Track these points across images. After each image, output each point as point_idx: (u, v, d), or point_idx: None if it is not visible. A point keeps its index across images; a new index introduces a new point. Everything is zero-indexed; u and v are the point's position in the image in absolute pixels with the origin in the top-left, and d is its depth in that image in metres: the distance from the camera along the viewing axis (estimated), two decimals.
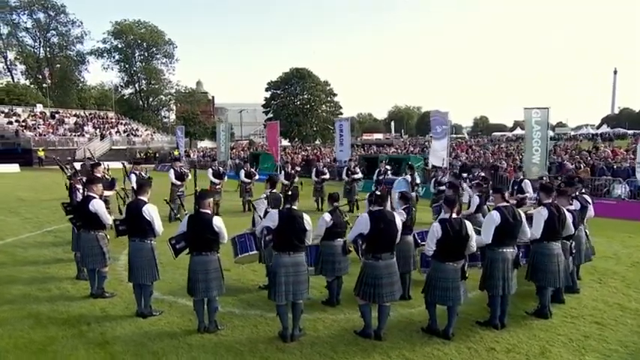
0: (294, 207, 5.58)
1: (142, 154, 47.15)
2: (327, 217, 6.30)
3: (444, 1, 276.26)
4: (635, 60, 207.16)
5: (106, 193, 8.74)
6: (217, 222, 5.57)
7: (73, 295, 7.09)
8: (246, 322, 6.04)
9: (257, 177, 16.16)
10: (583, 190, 8.26)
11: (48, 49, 67.31)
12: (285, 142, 70.32)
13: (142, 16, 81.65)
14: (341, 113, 79.18)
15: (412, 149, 38.47)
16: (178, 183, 12.91)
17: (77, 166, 20.32)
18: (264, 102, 79.66)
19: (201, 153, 49.02)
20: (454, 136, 79.11)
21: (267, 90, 78.79)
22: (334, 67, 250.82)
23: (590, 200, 7.81)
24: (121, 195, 9.70)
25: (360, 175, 16.21)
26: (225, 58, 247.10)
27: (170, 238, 5.73)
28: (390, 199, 7.45)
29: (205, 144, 71.12)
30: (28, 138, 44.46)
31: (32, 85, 64.72)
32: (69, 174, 9.09)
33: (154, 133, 61.66)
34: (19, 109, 51.56)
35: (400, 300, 6.57)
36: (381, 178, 13.90)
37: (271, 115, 74.10)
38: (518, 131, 64.90)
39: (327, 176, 16.55)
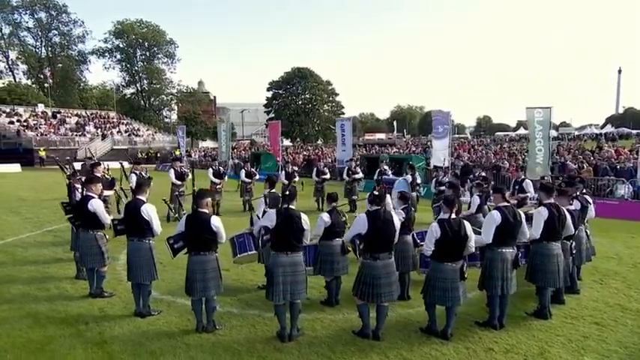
0: (292, 206, 5.56)
1: (143, 154, 47.21)
2: (326, 216, 6.29)
3: (447, 1, 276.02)
4: None
5: (106, 192, 8.75)
6: (215, 221, 5.56)
7: (72, 295, 7.09)
8: (244, 322, 6.03)
9: (257, 177, 16.16)
10: (584, 191, 8.22)
11: (49, 48, 67.46)
12: (286, 142, 70.36)
13: (142, 16, 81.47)
14: (343, 113, 79.26)
15: (414, 149, 38.36)
16: (178, 183, 12.93)
17: (77, 166, 20.39)
18: (265, 102, 79.66)
19: (203, 153, 49.01)
20: (457, 136, 79.13)
21: (268, 90, 78.88)
22: (336, 67, 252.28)
23: (590, 200, 7.78)
24: (119, 195, 9.71)
25: (360, 175, 16.18)
26: (225, 58, 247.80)
27: (168, 238, 5.73)
28: (390, 199, 7.46)
29: (207, 144, 71.11)
30: (29, 138, 44.50)
31: (34, 85, 64.82)
32: (68, 173, 9.09)
33: (156, 133, 61.72)
34: (20, 109, 51.62)
35: (399, 300, 6.58)
36: (380, 178, 13.87)
37: (273, 115, 74.12)
38: (522, 131, 64.80)
39: (328, 176, 16.55)
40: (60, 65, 67.66)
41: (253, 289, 7.33)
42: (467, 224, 5.50)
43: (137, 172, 11.97)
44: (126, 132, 56.15)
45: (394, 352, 5.20)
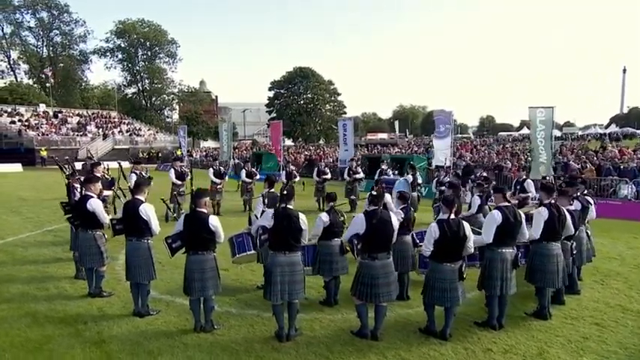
0: (290, 206, 5.54)
1: (144, 154, 47.23)
2: (325, 216, 6.28)
3: (447, 0, 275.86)
4: None
5: (105, 192, 8.75)
6: (213, 221, 5.55)
7: (71, 294, 7.10)
8: (242, 322, 6.02)
9: (258, 177, 16.15)
10: (585, 191, 8.18)
11: (51, 48, 67.35)
12: (288, 142, 70.34)
13: (143, 16, 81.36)
14: (345, 113, 79.10)
15: (416, 149, 38.34)
16: (179, 182, 12.93)
17: (78, 165, 20.39)
18: (267, 101, 79.62)
19: (204, 153, 49.01)
20: (459, 135, 78.96)
21: (270, 89, 78.81)
22: (337, 67, 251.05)
23: (591, 201, 7.75)
24: (117, 195, 9.71)
25: (361, 175, 16.16)
26: (225, 57, 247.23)
27: (166, 237, 5.73)
28: (390, 198, 7.45)
29: (208, 144, 71.10)
30: (30, 138, 44.51)
31: (35, 85, 64.80)
32: (67, 173, 9.09)
33: (157, 132, 61.66)
34: (22, 109, 51.64)
35: (398, 300, 6.58)
36: (379, 177, 13.87)
37: (275, 115, 74.09)
38: (525, 131, 64.50)
39: (329, 176, 16.53)
40: (61, 65, 67.57)
41: (252, 289, 7.32)
42: (466, 225, 5.49)
43: (137, 171, 11.97)
44: (127, 132, 56.11)
45: (392, 352, 5.19)
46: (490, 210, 7.26)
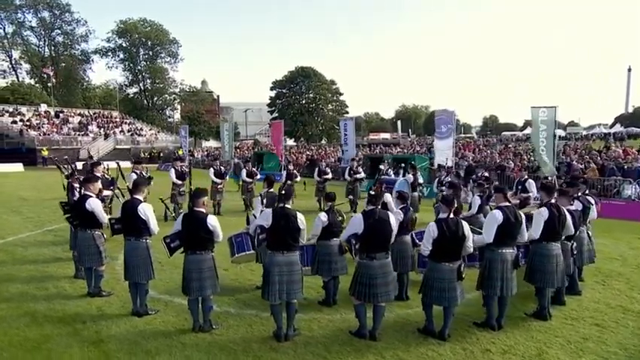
0: (288, 205, 5.53)
1: (145, 154, 47.24)
2: (324, 216, 6.27)
3: (451, 0, 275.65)
4: None
5: (105, 192, 8.74)
6: (212, 220, 5.54)
7: (70, 294, 7.10)
8: (241, 322, 6.01)
9: (258, 176, 16.12)
10: (587, 191, 8.14)
11: (53, 47, 67.40)
12: (290, 142, 70.29)
13: (144, 16, 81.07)
14: (347, 112, 78.86)
15: (419, 149, 38.26)
16: (179, 182, 12.92)
17: (80, 165, 20.42)
18: (269, 101, 79.55)
19: (206, 152, 49.01)
20: (462, 135, 78.81)
21: (272, 89, 78.65)
22: (339, 67, 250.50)
23: (593, 201, 7.69)
24: (116, 194, 9.71)
25: (362, 175, 16.13)
26: (226, 57, 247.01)
27: (165, 237, 5.73)
28: (391, 198, 7.43)
29: (210, 144, 71.11)
30: (32, 137, 44.49)
31: (37, 85, 64.84)
32: (66, 173, 9.09)
33: (159, 132, 61.68)
34: (23, 109, 51.66)
35: (398, 301, 6.57)
36: (379, 177, 13.81)
37: (276, 115, 74.02)
38: (528, 130, 64.19)
39: (330, 176, 16.50)
40: (63, 65, 67.72)
41: (251, 289, 7.30)
42: (465, 224, 5.47)
43: (137, 171, 11.97)
44: (129, 131, 56.13)
45: (390, 353, 5.17)
46: (491, 210, 7.23)
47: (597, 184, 16.59)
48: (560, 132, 59.99)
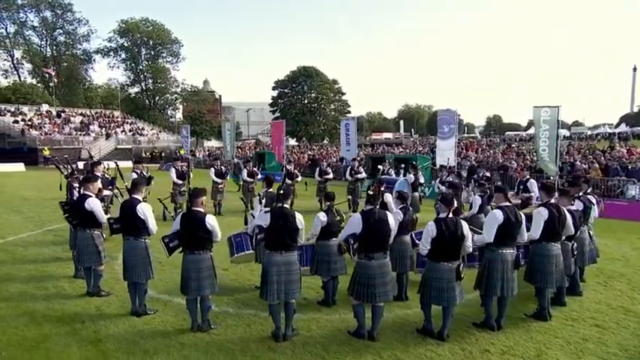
0: (286, 205, 5.52)
1: (147, 154, 47.25)
2: (323, 216, 6.24)
3: (451, 0, 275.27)
4: None
5: (105, 192, 8.74)
6: (210, 220, 5.53)
7: (70, 294, 7.10)
8: (239, 322, 6.00)
9: (259, 176, 16.10)
10: (588, 191, 8.10)
11: (54, 47, 67.36)
12: (292, 142, 70.27)
13: (145, 15, 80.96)
14: (349, 112, 78.79)
15: (421, 149, 38.23)
16: (179, 182, 12.90)
17: (80, 165, 20.43)
18: (271, 101, 79.52)
19: (207, 152, 49.01)
20: (466, 135, 78.62)
21: (274, 89, 78.65)
22: (340, 67, 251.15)
23: (594, 201, 7.65)
24: (115, 194, 9.71)
25: (363, 175, 16.09)
26: (227, 57, 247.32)
27: (163, 237, 5.72)
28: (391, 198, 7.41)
29: (212, 143, 71.13)
30: (33, 137, 44.53)
31: (38, 84, 64.85)
32: (66, 173, 9.09)
33: (160, 132, 61.68)
34: (25, 108, 51.67)
35: (397, 301, 6.55)
36: (379, 177, 13.78)
37: (278, 114, 74.01)
38: (532, 130, 64.13)
39: (331, 176, 16.46)
40: (65, 64, 67.76)
41: (250, 289, 7.28)
42: (464, 224, 5.45)
43: (137, 171, 11.97)
44: (130, 131, 56.15)
45: (388, 353, 5.16)
46: (492, 210, 7.21)
47: (601, 185, 16.49)
48: (564, 132, 59.87)
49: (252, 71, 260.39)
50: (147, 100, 72.70)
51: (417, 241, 6.91)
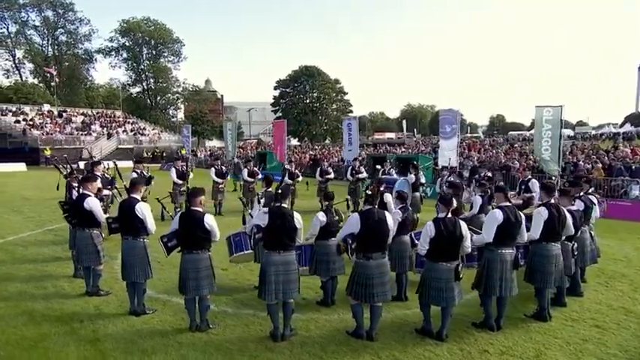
0: (284, 205, 5.50)
1: (148, 154, 47.23)
2: (322, 216, 6.22)
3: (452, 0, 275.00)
4: None
5: (104, 192, 8.73)
6: (209, 220, 5.52)
7: (69, 293, 7.10)
8: (238, 322, 5.99)
9: (260, 176, 16.07)
10: (590, 191, 8.06)
11: (56, 47, 67.40)
12: (294, 142, 70.25)
13: (147, 15, 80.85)
14: (351, 112, 78.71)
15: (423, 149, 38.17)
16: (179, 182, 12.90)
17: (82, 165, 20.42)
18: (273, 100, 79.47)
19: (209, 152, 48.99)
20: (469, 135, 78.45)
21: (275, 88, 78.55)
22: (341, 66, 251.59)
23: (595, 201, 7.62)
24: (114, 194, 9.70)
25: (364, 175, 16.04)
26: (228, 57, 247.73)
27: (162, 236, 5.71)
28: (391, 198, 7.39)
29: (214, 143, 71.15)
30: (35, 137, 44.46)
31: (40, 84, 64.88)
32: (65, 173, 9.09)
33: (162, 132, 61.67)
34: (26, 108, 51.64)
35: (396, 301, 6.53)
36: (378, 177, 13.78)
37: (280, 114, 73.96)
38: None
39: (332, 176, 16.42)
40: (66, 64, 67.80)
41: (249, 289, 7.25)
42: (463, 224, 5.43)
43: (138, 170, 11.96)
44: (132, 131, 56.10)
45: (386, 353, 5.14)
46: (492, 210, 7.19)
47: (604, 185, 16.40)
48: (568, 131, 59.61)
49: (254, 71, 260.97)
50: (148, 100, 72.69)
51: (416, 241, 6.91)
